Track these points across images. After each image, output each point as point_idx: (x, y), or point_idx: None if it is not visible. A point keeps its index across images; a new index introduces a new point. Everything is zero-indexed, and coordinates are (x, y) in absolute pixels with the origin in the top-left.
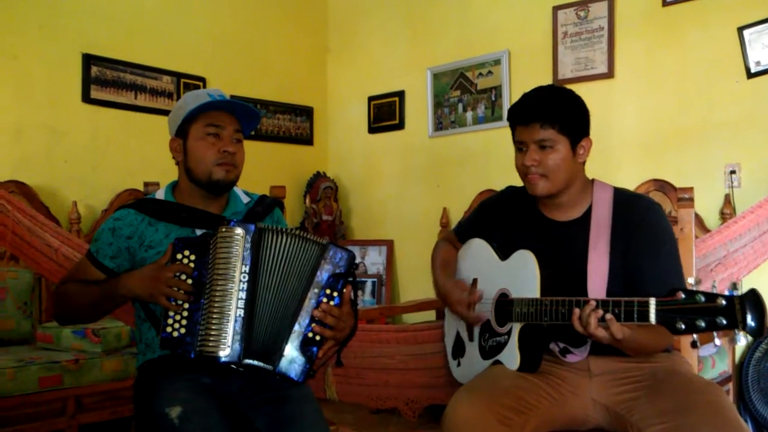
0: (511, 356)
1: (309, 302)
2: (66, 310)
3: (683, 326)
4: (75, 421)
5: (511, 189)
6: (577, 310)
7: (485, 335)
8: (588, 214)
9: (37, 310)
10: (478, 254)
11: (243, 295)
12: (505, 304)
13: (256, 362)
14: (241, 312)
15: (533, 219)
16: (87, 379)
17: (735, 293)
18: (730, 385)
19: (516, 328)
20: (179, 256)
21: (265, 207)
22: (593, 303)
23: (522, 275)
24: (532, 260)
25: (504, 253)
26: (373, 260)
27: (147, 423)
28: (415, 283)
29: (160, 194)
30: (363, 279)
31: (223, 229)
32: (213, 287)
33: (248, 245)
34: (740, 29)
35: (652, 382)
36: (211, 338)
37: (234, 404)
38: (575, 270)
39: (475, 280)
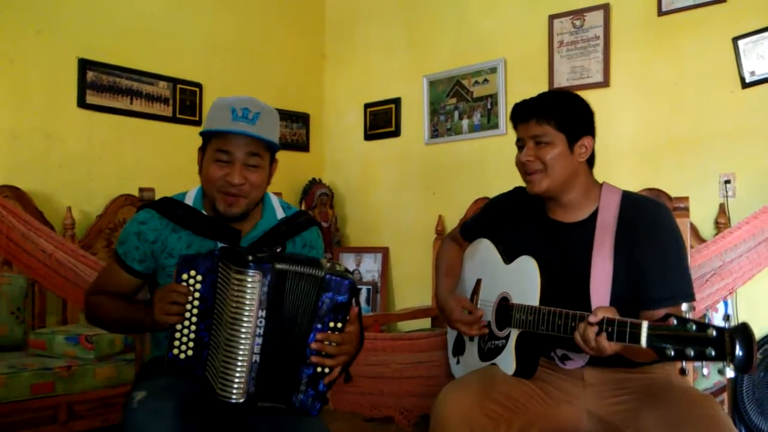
0: (507, 361)
1: (315, 336)
2: (97, 320)
3: (672, 353)
4: (67, 428)
5: (518, 189)
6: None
7: (484, 337)
8: (594, 216)
9: (30, 315)
10: (483, 255)
11: (259, 341)
12: (505, 308)
13: (270, 404)
14: (257, 357)
15: (538, 219)
16: (79, 386)
17: (727, 325)
18: (725, 395)
19: (514, 334)
20: (185, 276)
21: (293, 227)
22: (590, 318)
23: (524, 282)
24: (535, 268)
25: (509, 256)
26: (368, 267)
27: None
28: (411, 290)
29: (190, 195)
30: (358, 286)
31: (234, 273)
32: (226, 327)
33: (266, 289)
34: (735, 39)
35: (647, 394)
36: (226, 383)
37: (234, 410)
38: (579, 273)
39: (478, 281)
